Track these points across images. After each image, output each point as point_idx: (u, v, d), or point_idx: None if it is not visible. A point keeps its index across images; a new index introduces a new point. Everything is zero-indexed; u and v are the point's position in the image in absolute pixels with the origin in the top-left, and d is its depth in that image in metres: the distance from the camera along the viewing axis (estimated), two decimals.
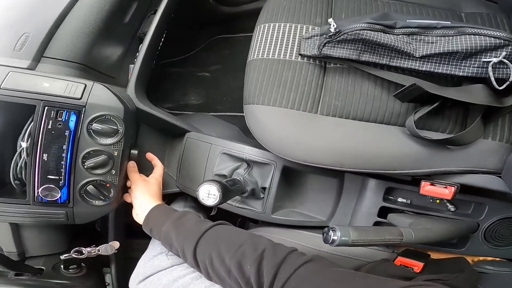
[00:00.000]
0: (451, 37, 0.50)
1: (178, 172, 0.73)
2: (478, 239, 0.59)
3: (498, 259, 0.62)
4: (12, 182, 0.53)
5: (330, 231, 0.43)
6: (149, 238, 0.60)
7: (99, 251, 0.60)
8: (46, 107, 0.48)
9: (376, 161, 0.53)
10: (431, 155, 0.51)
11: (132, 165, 0.61)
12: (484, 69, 0.49)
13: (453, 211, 0.58)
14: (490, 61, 0.47)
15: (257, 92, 0.59)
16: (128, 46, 0.67)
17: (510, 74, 0.47)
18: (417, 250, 0.60)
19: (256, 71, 0.61)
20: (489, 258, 0.63)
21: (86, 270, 0.65)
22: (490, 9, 0.63)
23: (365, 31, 0.51)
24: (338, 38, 0.53)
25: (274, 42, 0.62)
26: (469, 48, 0.48)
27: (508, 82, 0.47)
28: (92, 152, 0.52)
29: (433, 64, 0.51)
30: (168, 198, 0.78)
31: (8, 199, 0.52)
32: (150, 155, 0.67)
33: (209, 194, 0.52)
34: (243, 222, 0.86)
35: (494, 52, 0.48)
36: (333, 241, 0.43)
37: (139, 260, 0.56)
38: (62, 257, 0.59)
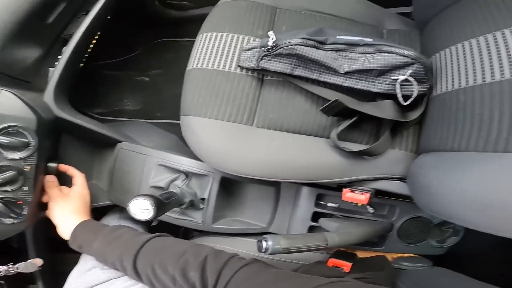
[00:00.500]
0: (369, 55, 0.52)
1: (110, 184, 0.69)
2: (393, 237, 0.67)
3: (413, 255, 0.70)
4: None
5: (263, 241, 0.45)
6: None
7: (17, 269, 0.54)
8: None
9: (305, 172, 0.56)
10: (351, 164, 0.56)
11: (50, 180, 0.56)
12: (393, 86, 0.52)
13: (372, 212, 0.66)
14: (398, 79, 0.51)
15: (194, 103, 0.59)
16: (48, 48, 0.60)
17: (414, 91, 0.51)
18: (346, 250, 0.65)
19: (194, 82, 0.60)
20: (406, 255, 0.70)
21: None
22: (407, 26, 0.69)
23: (299, 46, 0.53)
24: (275, 52, 0.55)
25: (215, 52, 0.61)
26: (382, 65, 0.51)
27: (411, 99, 0.51)
28: None
29: (354, 80, 0.54)
30: (98, 212, 0.72)
31: None
32: (63, 167, 0.60)
33: (141, 209, 0.50)
34: (186, 232, 0.84)
35: (402, 70, 0.51)
36: (266, 250, 0.45)
37: (68, 276, 0.51)
38: None
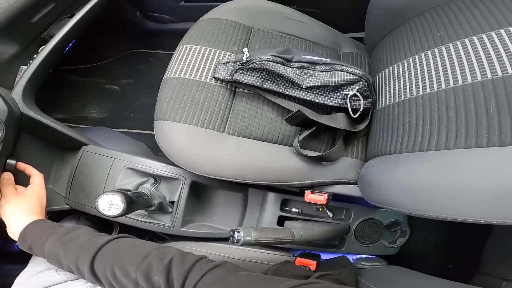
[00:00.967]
0: (326, 72, 0.60)
1: (69, 188, 0.66)
2: (351, 239, 0.73)
3: (370, 256, 0.77)
4: None
5: (235, 232, 0.47)
6: (26, 263, 0.51)
7: None
8: None
9: (271, 174, 0.62)
10: (311, 169, 0.63)
11: (7, 177, 0.53)
12: (345, 100, 0.59)
13: (331, 216, 0.72)
14: (348, 94, 0.59)
15: (169, 109, 0.62)
16: (26, 46, 0.59)
17: (360, 105, 0.59)
18: (311, 252, 0.70)
19: (171, 89, 0.64)
20: (364, 256, 0.76)
21: None
22: (359, 49, 0.79)
23: (269, 62, 0.60)
24: (248, 66, 0.61)
25: (193, 63, 0.66)
26: (336, 82, 0.58)
27: (359, 112, 0.59)
28: None
29: (314, 94, 0.62)
30: (53, 215, 0.69)
31: None
32: (21, 165, 0.57)
33: (111, 205, 0.49)
34: (151, 239, 0.82)
35: (351, 86, 0.58)
36: (238, 240, 0.47)
37: (17, 278, 0.47)
38: None
